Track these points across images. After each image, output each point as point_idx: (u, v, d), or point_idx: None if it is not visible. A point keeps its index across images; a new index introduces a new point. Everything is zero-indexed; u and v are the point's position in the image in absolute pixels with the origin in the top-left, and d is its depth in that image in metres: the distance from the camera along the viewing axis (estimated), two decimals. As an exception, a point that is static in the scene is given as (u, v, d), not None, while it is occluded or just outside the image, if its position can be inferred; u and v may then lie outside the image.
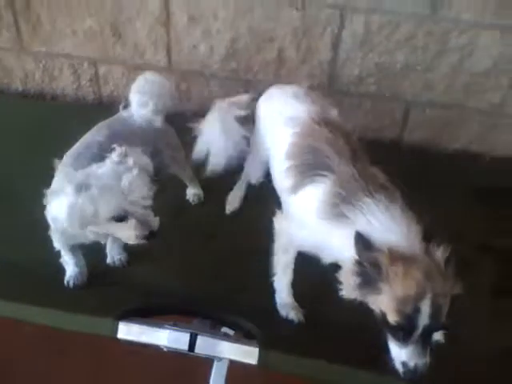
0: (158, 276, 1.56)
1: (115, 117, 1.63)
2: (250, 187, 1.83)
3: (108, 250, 1.58)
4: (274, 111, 1.56)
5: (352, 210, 1.20)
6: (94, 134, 1.52)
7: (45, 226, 1.38)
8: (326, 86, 2.10)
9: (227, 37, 2.04)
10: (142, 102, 1.61)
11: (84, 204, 1.23)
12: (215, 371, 1.86)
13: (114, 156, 1.31)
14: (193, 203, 1.85)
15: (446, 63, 1.96)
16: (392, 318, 1.11)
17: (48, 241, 1.45)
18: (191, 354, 1.31)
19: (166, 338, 1.32)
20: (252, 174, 1.77)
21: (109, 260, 1.57)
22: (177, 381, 1.97)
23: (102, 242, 1.45)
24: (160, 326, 1.34)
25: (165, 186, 1.76)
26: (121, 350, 1.81)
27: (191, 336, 1.32)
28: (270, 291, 1.50)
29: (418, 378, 1.12)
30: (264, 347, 1.30)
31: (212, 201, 1.85)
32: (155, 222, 1.31)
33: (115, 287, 1.52)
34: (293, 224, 1.38)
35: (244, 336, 1.39)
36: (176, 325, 1.34)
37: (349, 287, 1.18)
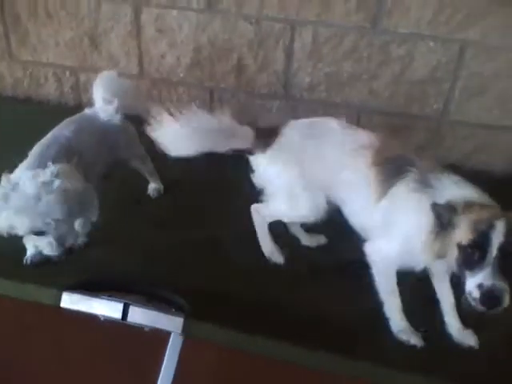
0: (111, 258, 1.71)
1: (80, 114, 1.81)
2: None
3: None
4: (332, 148, 1.53)
5: (435, 181, 1.35)
6: (62, 128, 1.70)
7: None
8: (282, 93, 2.29)
9: (190, 47, 2.25)
10: (106, 99, 1.78)
11: (3, 219, 1.43)
12: (170, 348, 2.03)
13: (45, 174, 1.45)
14: (153, 197, 2.00)
15: (389, 72, 2.12)
16: (467, 238, 1.18)
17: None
18: (124, 322, 1.50)
19: (102, 307, 1.49)
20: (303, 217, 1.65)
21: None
22: (133, 357, 2.13)
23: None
24: (98, 296, 1.53)
25: (126, 179, 2.00)
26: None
27: (124, 306, 1.49)
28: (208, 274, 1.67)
29: (496, 304, 1.15)
30: (188, 318, 1.48)
31: (171, 194, 2.02)
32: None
33: (69, 265, 1.70)
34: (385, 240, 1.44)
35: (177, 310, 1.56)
36: (112, 296, 1.54)
37: (429, 246, 1.28)
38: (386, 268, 1.45)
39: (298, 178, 1.56)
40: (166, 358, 2.00)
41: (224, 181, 2.01)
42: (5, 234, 1.46)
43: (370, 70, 2.14)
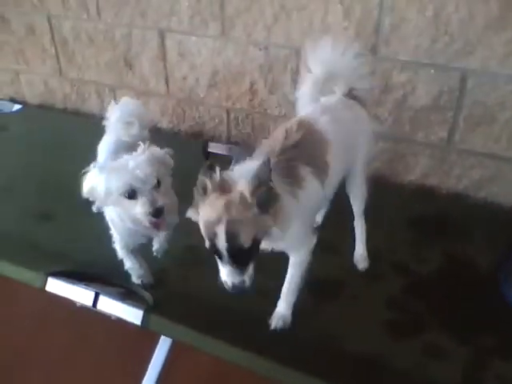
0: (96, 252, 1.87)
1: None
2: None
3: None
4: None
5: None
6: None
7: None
8: (293, 116, 2.38)
9: (208, 70, 2.43)
10: (129, 122, 1.82)
11: (99, 182, 1.54)
12: (159, 348, 2.17)
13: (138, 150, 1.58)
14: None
15: (392, 99, 2.15)
16: (206, 243, 1.27)
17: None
18: (94, 309, 1.67)
19: (78, 294, 1.68)
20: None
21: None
22: (124, 354, 2.29)
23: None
24: (77, 284, 1.71)
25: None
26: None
27: (96, 294, 1.67)
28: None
29: (239, 292, 1.28)
30: (148, 311, 1.62)
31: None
32: (161, 201, 1.54)
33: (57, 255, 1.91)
34: None
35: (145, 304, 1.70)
36: (88, 285, 1.71)
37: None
38: None
39: None
40: (153, 357, 2.16)
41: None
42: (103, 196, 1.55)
43: (373, 96, 2.18)
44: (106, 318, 1.66)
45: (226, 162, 2.38)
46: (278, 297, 1.59)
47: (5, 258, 1.81)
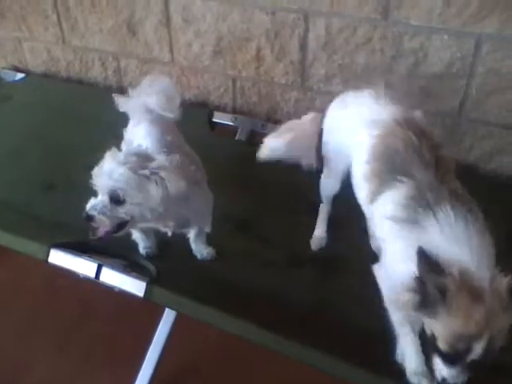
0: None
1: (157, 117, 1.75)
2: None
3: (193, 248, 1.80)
4: (352, 116, 1.52)
5: (427, 217, 1.15)
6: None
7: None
8: (299, 84, 2.32)
9: (213, 36, 2.35)
10: (170, 101, 1.73)
11: None
12: (163, 321, 2.17)
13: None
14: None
15: (403, 66, 2.08)
16: (442, 346, 1.09)
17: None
18: (97, 280, 1.65)
19: (80, 265, 1.67)
20: (328, 189, 1.74)
21: (199, 257, 1.80)
22: (129, 326, 2.30)
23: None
24: (80, 255, 1.70)
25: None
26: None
27: (98, 266, 1.65)
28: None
29: None
30: (151, 283, 1.60)
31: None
32: (93, 211, 1.51)
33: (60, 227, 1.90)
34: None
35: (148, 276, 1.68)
36: (91, 257, 1.69)
37: (401, 302, 1.15)
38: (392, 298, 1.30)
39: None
40: (158, 330, 2.15)
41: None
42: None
43: (383, 63, 2.11)
44: (109, 290, 1.65)
45: (231, 132, 2.41)
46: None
47: (8, 229, 1.79)
